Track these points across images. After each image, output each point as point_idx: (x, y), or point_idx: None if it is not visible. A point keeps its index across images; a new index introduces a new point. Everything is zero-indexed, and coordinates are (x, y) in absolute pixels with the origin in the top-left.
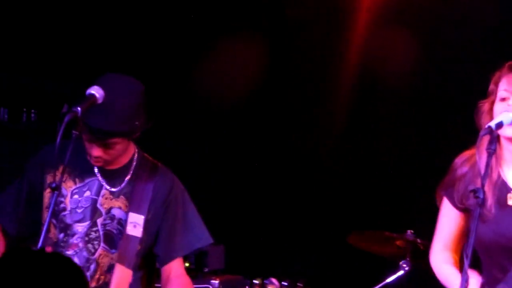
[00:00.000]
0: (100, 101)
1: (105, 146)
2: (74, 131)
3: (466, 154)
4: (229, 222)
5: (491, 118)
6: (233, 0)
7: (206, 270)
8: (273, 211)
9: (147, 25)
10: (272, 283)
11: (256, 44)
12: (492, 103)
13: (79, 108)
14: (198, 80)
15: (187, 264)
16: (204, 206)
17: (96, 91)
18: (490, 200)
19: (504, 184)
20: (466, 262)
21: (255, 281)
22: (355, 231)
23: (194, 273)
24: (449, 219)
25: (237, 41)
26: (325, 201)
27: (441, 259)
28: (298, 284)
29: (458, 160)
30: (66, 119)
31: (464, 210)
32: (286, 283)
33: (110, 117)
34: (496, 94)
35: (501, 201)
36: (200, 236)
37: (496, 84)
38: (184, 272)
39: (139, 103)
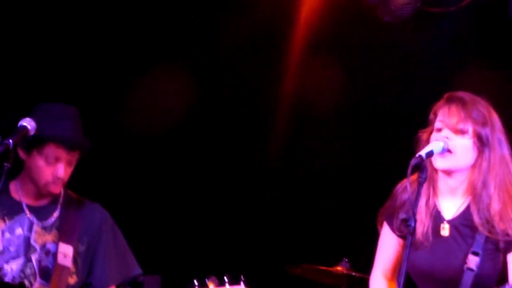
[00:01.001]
0: (32, 133)
1: (69, 164)
2: (6, 163)
3: (405, 182)
4: (165, 252)
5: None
6: (164, 30)
7: None
8: (210, 241)
9: (75, 53)
10: (211, 280)
11: (189, 73)
12: (431, 133)
13: (10, 141)
14: (128, 111)
15: None
16: (140, 236)
17: (27, 123)
18: (426, 229)
19: (438, 214)
20: None
21: (195, 281)
22: (291, 264)
23: None
24: (388, 245)
25: (169, 72)
26: (261, 230)
27: None
28: (241, 277)
29: (399, 187)
30: None
31: (403, 237)
32: (226, 279)
33: (75, 130)
34: (433, 124)
35: (435, 231)
36: (133, 265)
37: (435, 115)
38: None
39: (81, 123)
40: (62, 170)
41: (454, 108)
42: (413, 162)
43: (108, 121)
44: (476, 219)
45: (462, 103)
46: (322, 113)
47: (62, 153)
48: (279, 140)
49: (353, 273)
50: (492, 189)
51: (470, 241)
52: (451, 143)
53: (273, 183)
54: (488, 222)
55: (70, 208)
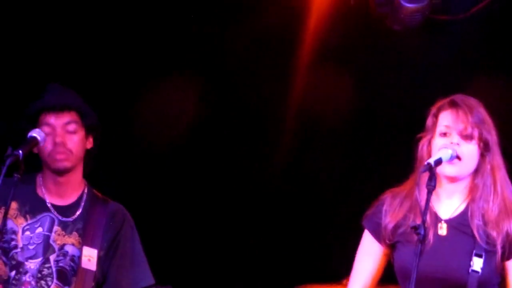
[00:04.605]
0: (42, 144)
1: (69, 131)
2: (16, 174)
3: (394, 190)
4: (176, 262)
5: (429, 152)
6: (171, 40)
7: None
8: (221, 251)
9: (82, 65)
10: None
11: (195, 83)
12: (431, 136)
13: (20, 152)
14: (136, 122)
15: None
16: (152, 246)
17: (37, 134)
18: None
19: (434, 214)
20: None
21: None
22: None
23: None
24: (370, 255)
25: (175, 82)
26: (268, 244)
27: None
28: None
29: (385, 196)
30: (8, 162)
31: (390, 244)
32: None
33: (66, 94)
34: (435, 127)
35: (432, 232)
36: (145, 274)
37: (436, 117)
38: None
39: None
40: (61, 136)
41: (461, 113)
42: (422, 170)
43: (118, 132)
44: (473, 223)
45: (469, 107)
46: (330, 122)
47: (52, 118)
48: (287, 150)
49: None
50: (493, 194)
51: (472, 242)
52: (459, 150)
53: (281, 191)
54: (483, 229)
55: (94, 210)
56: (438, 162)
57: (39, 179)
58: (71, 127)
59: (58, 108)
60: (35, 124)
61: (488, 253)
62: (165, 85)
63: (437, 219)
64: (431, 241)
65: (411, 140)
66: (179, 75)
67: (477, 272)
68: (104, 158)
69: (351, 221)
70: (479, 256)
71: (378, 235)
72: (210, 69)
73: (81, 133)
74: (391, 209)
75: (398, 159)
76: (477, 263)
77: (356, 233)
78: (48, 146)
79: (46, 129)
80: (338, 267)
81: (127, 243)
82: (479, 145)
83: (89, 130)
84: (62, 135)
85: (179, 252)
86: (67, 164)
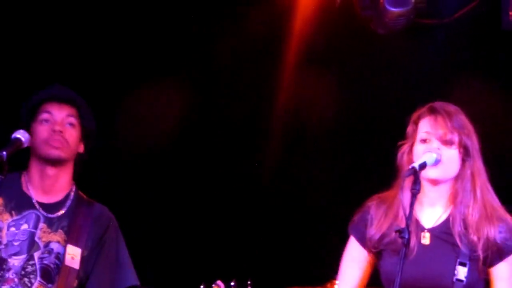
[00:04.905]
0: (26, 144)
1: (67, 123)
2: (0, 176)
3: (379, 197)
4: (169, 264)
5: (410, 159)
6: (158, 44)
7: None
8: (205, 255)
9: (71, 66)
10: (218, 285)
11: (182, 87)
12: (412, 143)
13: (4, 153)
14: (123, 124)
15: None
16: (149, 247)
17: (21, 135)
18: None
19: (417, 223)
20: None
21: (201, 287)
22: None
23: None
24: (356, 262)
25: (162, 85)
26: (256, 247)
27: None
28: (248, 282)
29: (370, 203)
30: None
31: (376, 252)
32: (233, 283)
33: (70, 92)
34: (416, 134)
35: (416, 242)
36: (130, 275)
37: (416, 124)
38: None
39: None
40: (60, 125)
41: (440, 119)
42: (406, 174)
43: (106, 135)
44: (455, 231)
45: (448, 114)
46: (316, 126)
47: (54, 107)
48: (280, 152)
49: None
50: (473, 199)
51: (455, 251)
52: (441, 154)
53: (276, 193)
54: (464, 234)
55: (79, 209)
56: (423, 166)
57: (24, 177)
58: (71, 120)
59: (61, 100)
60: (35, 114)
61: (471, 261)
62: (153, 88)
63: (420, 228)
64: (415, 250)
65: (396, 143)
66: (167, 78)
67: (461, 280)
68: (93, 161)
69: (348, 223)
70: (463, 264)
71: (364, 243)
72: (197, 72)
73: (78, 131)
74: (376, 218)
75: (387, 163)
76: (462, 272)
77: (344, 235)
78: (44, 134)
79: (46, 116)
80: (335, 269)
81: (112, 245)
82: (459, 150)
83: (84, 134)
84: (61, 125)
85: (174, 254)
86: (61, 153)
